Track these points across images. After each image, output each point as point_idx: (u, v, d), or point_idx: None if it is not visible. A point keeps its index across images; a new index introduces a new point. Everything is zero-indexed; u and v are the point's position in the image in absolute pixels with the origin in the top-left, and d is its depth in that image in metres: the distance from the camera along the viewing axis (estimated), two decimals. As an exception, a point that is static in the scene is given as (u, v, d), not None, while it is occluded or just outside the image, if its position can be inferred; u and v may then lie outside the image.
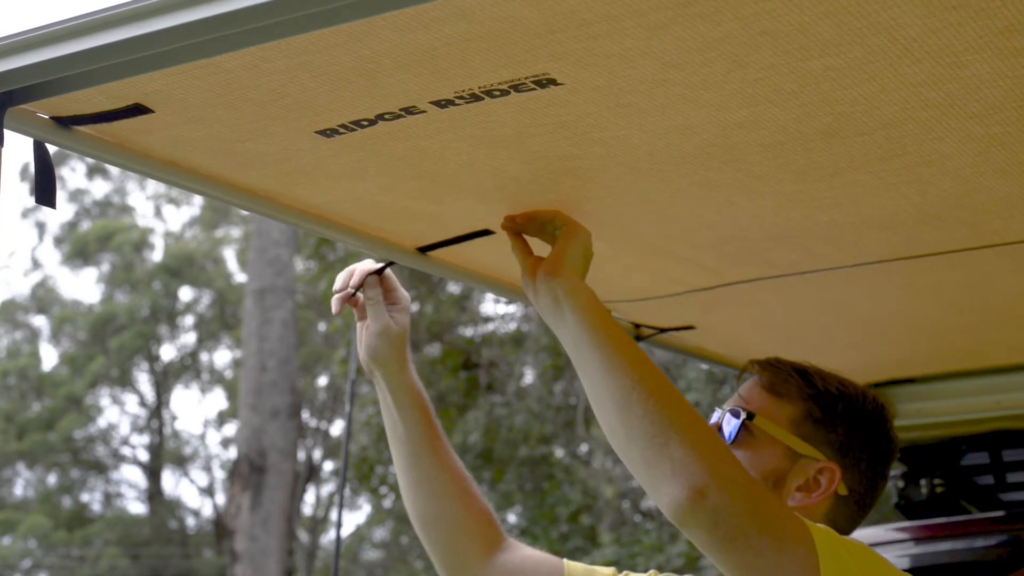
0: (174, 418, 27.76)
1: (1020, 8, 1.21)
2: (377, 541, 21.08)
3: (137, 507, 24.08)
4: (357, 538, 20.59)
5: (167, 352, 23.99)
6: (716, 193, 1.78)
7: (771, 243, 2.04)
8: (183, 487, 38.94)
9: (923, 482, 3.42)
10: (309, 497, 22.11)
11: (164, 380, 23.71)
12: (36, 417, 22.31)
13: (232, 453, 23.08)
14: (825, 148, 1.59)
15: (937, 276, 2.24)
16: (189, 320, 23.81)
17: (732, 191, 1.77)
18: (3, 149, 1.34)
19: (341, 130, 1.49)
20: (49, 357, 28.85)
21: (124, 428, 24.30)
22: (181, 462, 24.11)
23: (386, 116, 1.45)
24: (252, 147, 1.55)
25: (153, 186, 24.60)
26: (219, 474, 24.22)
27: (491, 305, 13.09)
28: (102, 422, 23.51)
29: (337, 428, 21.53)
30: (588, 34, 1.25)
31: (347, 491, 14.86)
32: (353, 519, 23.06)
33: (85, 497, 23.67)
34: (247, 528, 14.36)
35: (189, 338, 23.97)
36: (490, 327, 12.84)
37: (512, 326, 12.64)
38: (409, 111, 1.44)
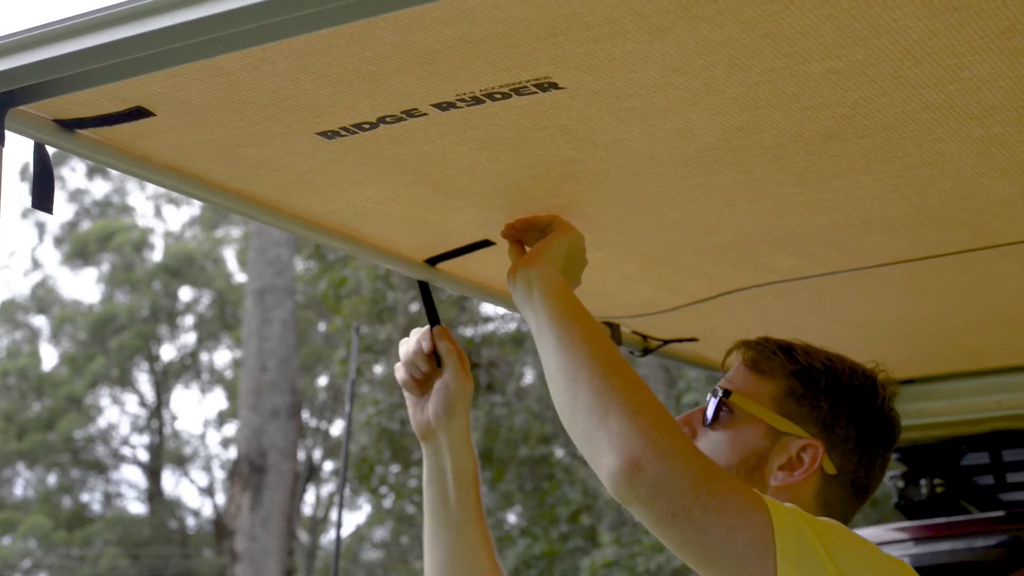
0: (174, 418, 27.78)
1: (1020, 9, 1.22)
2: (377, 541, 21.09)
3: (137, 507, 24.10)
4: (357, 538, 20.59)
5: (167, 352, 24.00)
6: (717, 197, 1.78)
7: (772, 247, 2.04)
8: (183, 487, 38.94)
9: (923, 482, 3.42)
10: (309, 497, 22.12)
11: (164, 380, 23.70)
12: (36, 417, 22.30)
13: (232, 453, 23.09)
14: (826, 151, 1.59)
15: (938, 278, 2.24)
16: (189, 320, 23.81)
17: (733, 195, 1.77)
18: (3, 150, 1.34)
19: (343, 132, 1.49)
20: (49, 357, 28.87)
21: (124, 428, 24.32)
22: (181, 462, 24.10)
23: (387, 119, 1.45)
24: (254, 152, 1.55)
25: (153, 186, 24.57)
26: (219, 474, 24.24)
27: (491, 306, 13.09)
28: (102, 422, 23.52)
29: (337, 428, 21.54)
30: (589, 37, 1.25)
31: (347, 491, 14.86)
32: (353, 519, 23.10)
33: (85, 497, 23.67)
34: (247, 528, 14.36)
35: (189, 338, 23.97)
36: (490, 327, 12.85)
37: (512, 326, 12.64)
38: (410, 114, 1.44)
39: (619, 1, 1.19)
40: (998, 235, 1.97)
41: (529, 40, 1.26)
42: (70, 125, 1.43)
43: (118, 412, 25.62)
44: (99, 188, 25.62)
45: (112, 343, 22.02)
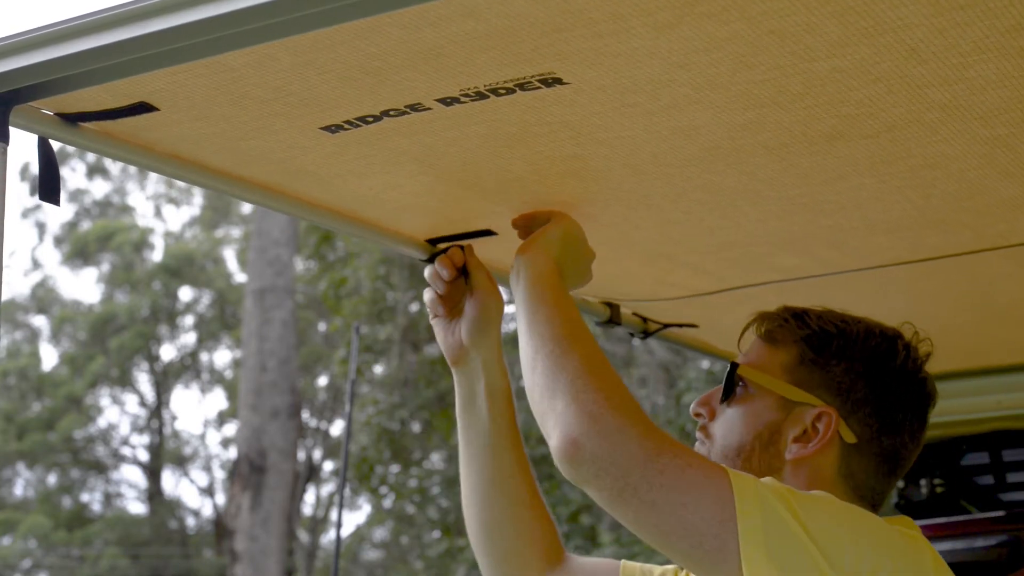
0: (174, 418, 27.76)
1: (1026, 7, 1.21)
2: (377, 541, 21.08)
3: (137, 507, 24.09)
4: (357, 538, 20.59)
5: (167, 352, 24.00)
6: (720, 197, 1.77)
7: (774, 248, 2.04)
8: (183, 487, 38.90)
9: (923, 482, 3.42)
10: (309, 497, 22.11)
11: (164, 380, 23.70)
12: (36, 417, 22.30)
13: (232, 453, 23.09)
14: (830, 151, 1.58)
15: (940, 280, 2.24)
16: (189, 320, 23.81)
17: (736, 195, 1.76)
18: (7, 147, 1.35)
19: (346, 126, 1.49)
20: (49, 357, 28.86)
21: (124, 428, 24.31)
22: (181, 462, 24.10)
23: (391, 112, 1.45)
24: (256, 144, 1.55)
25: (153, 186, 24.61)
26: (219, 474, 24.23)
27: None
28: (102, 422, 23.52)
29: (337, 428, 21.53)
30: (595, 33, 1.25)
31: (347, 491, 14.86)
32: (353, 519, 23.06)
33: (85, 497, 23.66)
34: (247, 528, 14.36)
35: (189, 338, 23.98)
36: (490, 327, 12.84)
37: (512, 326, 12.64)
38: (415, 108, 1.44)
39: None
40: (1001, 237, 1.97)
41: (534, 36, 1.26)
42: (73, 119, 1.43)
43: (118, 412, 25.64)
44: (99, 188, 25.67)
45: (112, 343, 22.02)
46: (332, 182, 1.70)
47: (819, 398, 1.57)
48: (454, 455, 12.45)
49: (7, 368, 22.75)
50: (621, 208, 1.82)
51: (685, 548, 1.34)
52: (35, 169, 1.45)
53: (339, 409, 20.69)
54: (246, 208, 22.31)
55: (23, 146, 1.47)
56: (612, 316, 2.46)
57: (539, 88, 1.38)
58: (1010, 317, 2.55)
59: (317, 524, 21.75)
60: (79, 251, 23.25)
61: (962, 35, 1.26)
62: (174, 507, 24.01)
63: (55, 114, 1.42)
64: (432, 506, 13.51)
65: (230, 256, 24.57)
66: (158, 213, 26.77)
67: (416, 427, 13.06)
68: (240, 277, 23.04)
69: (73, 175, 23.90)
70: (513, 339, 1.68)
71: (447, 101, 1.42)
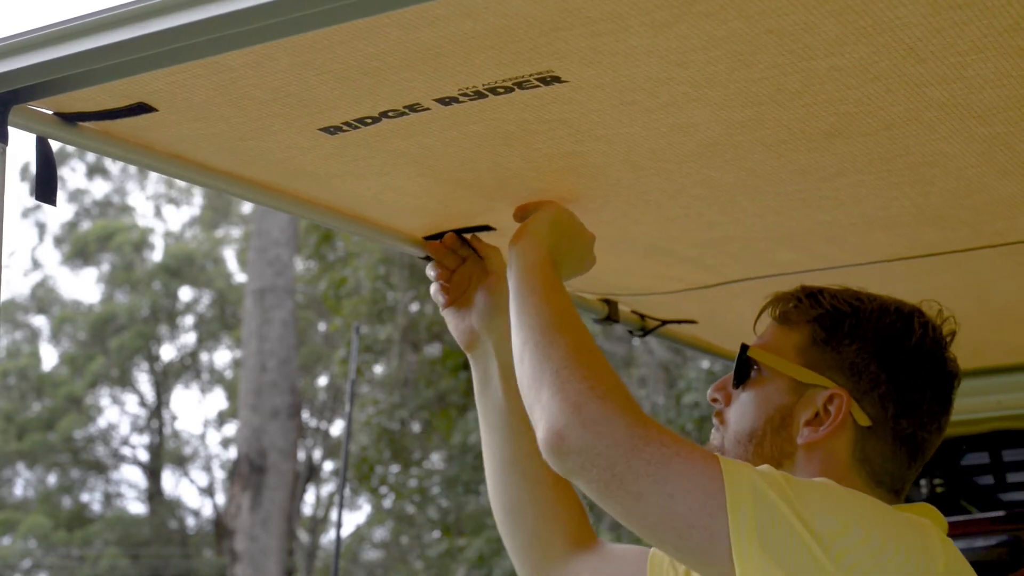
0: (174, 418, 27.78)
1: (1024, 6, 1.22)
2: (377, 541, 21.08)
3: (137, 507, 24.10)
4: (357, 538, 20.59)
5: (167, 352, 24.02)
6: (718, 193, 1.78)
7: (773, 243, 2.04)
8: (183, 487, 38.94)
9: (923, 482, 3.42)
10: (309, 497, 22.12)
11: (164, 380, 23.71)
12: (36, 417, 22.31)
13: (232, 453, 23.10)
14: (828, 148, 1.59)
15: (938, 276, 2.24)
16: (189, 320, 23.82)
17: (734, 191, 1.77)
18: (7, 148, 1.35)
19: (345, 127, 1.49)
20: (49, 357, 28.89)
21: (124, 428, 24.32)
22: (181, 462, 24.11)
23: (390, 113, 1.46)
24: (255, 145, 1.55)
25: (153, 186, 24.63)
26: (219, 474, 24.24)
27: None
28: (102, 422, 23.53)
29: (337, 428, 21.54)
30: (593, 32, 1.25)
31: (347, 491, 14.86)
32: (353, 519, 23.09)
33: (85, 497, 23.67)
34: (247, 528, 14.37)
35: (189, 338, 23.99)
36: (490, 327, 12.84)
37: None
38: (413, 108, 1.44)
39: None
40: (999, 234, 1.97)
41: (532, 35, 1.26)
42: (72, 119, 1.44)
43: (118, 412, 25.65)
44: (99, 188, 25.68)
45: (112, 343, 22.02)
46: (331, 182, 1.70)
47: (831, 380, 1.52)
48: (454, 455, 12.47)
49: (7, 368, 22.76)
50: (620, 204, 1.82)
51: (673, 540, 1.31)
52: (35, 169, 1.46)
53: (339, 409, 20.70)
54: (246, 208, 22.34)
55: (23, 146, 1.47)
56: (610, 313, 2.45)
57: (538, 87, 1.38)
58: (1009, 315, 2.55)
59: (317, 524, 21.75)
60: (79, 251, 23.26)
61: (960, 34, 1.26)
62: (174, 507, 24.02)
63: (54, 114, 1.42)
64: (432, 506, 13.51)
65: (230, 256, 24.61)
66: (158, 213, 26.81)
67: (416, 427, 13.06)
68: (240, 277, 23.06)
69: (73, 175, 23.93)
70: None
71: (445, 101, 1.42)
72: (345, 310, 12.44)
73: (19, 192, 22.52)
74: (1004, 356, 2.92)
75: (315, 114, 1.46)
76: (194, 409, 45.14)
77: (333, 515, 21.48)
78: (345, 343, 13.37)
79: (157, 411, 23.90)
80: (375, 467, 12.47)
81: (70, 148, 1.50)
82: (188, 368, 24.06)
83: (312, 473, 21.44)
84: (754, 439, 1.55)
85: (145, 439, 24.08)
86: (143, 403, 23.81)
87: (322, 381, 21.60)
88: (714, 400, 1.64)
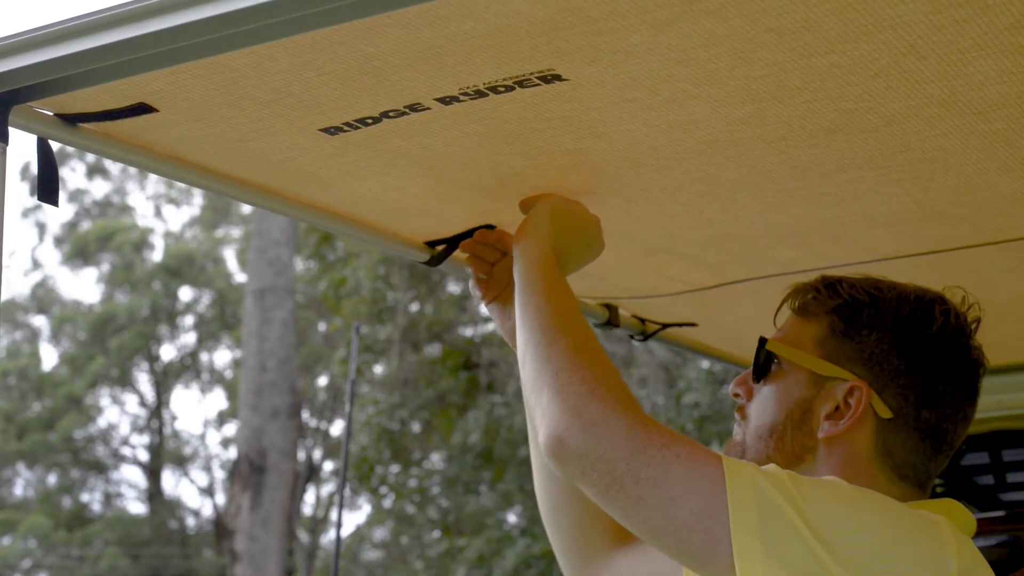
0: (174, 418, 27.79)
1: (1024, 4, 1.22)
2: (377, 541, 21.08)
3: (137, 507, 24.10)
4: (357, 538, 20.59)
5: (167, 352, 24.01)
6: (718, 190, 1.78)
7: (773, 240, 2.04)
8: (183, 487, 38.96)
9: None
10: (309, 497, 22.12)
11: (164, 380, 23.71)
12: (36, 417, 22.30)
13: (232, 453, 23.10)
14: (829, 145, 1.59)
15: (939, 274, 2.24)
16: (189, 320, 23.81)
17: (735, 188, 1.77)
18: (7, 148, 1.35)
19: (345, 128, 1.49)
20: (49, 357, 28.89)
21: (124, 428, 24.32)
22: (181, 462, 24.11)
23: (391, 113, 1.46)
24: (256, 145, 1.55)
25: (153, 186, 24.63)
26: (219, 474, 24.24)
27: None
28: (102, 422, 23.52)
29: (337, 428, 21.54)
30: (593, 30, 1.26)
31: (347, 491, 14.86)
32: (353, 519, 23.10)
33: (85, 497, 23.67)
34: (247, 528, 14.37)
35: (189, 338, 23.98)
36: (490, 327, 12.83)
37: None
38: (414, 108, 1.44)
39: None
40: (999, 231, 1.97)
41: (533, 34, 1.26)
42: (73, 120, 1.44)
43: (118, 412, 25.66)
44: (99, 188, 25.68)
45: (112, 343, 22.02)
46: (331, 184, 1.70)
47: (850, 371, 1.48)
48: (454, 455, 12.46)
49: (7, 368, 22.76)
50: (620, 201, 1.82)
51: (675, 544, 1.29)
52: (36, 169, 1.46)
53: (339, 409, 20.69)
54: (246, 208, 22.31)
55: (24, 146, 1.47)
56: (611, 318, 2.45)
57: (538, 85, 1.38)
58: (1010, 313, 2.55)
59: (317, 524, 21.75)
60: (79, 251, 23.26)
61: (961, 32, 1.26)
62: (174, 507, 24.02)
63: (54, 115, 1.43)
64: (432, 506, 13.51)
65: (230, 256, 24.60)
66: (158, 213, 26.79)
67: (416, 427, 13.06)
68: (240, 277, 23.06)
69: (73, 175, 23.92)
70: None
71: (446, 100, 1.42)
72: (345, 310, 12.44)
73: (19, 192, 22.53)
74: (1004, 356, 2.91)
75: (316, 115, 1.46)
76: (194, 409, 45.17)
77: (333, 515, 21.48)
78: (345, 343, 13.37)
79: (157, 411, 23.90)
80: (375, 467, 12.47)
81: (70, 148, 1.50)
82: (188, 368, 24.05)
83: (312, 473, 21.44)
84: (775, 434, 1.52)
85: (145, 439, 24.09)
86: (143, 403, 23.82)
87: (322, 381, 21.61)
88: (736, 395, 1.60)
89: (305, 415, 20.68)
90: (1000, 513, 3.30)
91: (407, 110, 1.45)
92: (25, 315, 24.25)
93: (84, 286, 47.65)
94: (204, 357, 24.35)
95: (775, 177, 1.72)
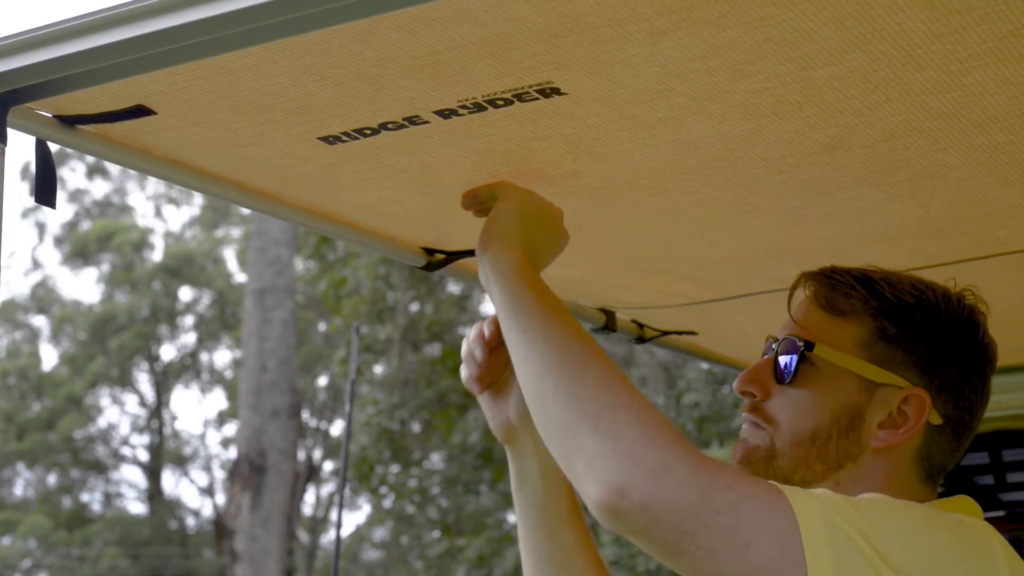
0: (174, 418, 27.80)
1: (1024, 12, 1.21)
2: (377, 541, 21.08)
3: (137, 507, 24.11)
4: (357, 538, 20.59)
5: (167, 352, 24.03)
6: (719, 212, 1.76)
7: (773, 260, 2.03)
8: (183, 487, 38.96)
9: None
10: (309, 497, 22.12)
11: (164, 380, 23.71)
12: (36, 417, 22.31)
13: (232, 453, 23.10)
14: (829, 161, 1.57)
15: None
16: (189, 320, 23.82)
17: (735, 209, 1.75)
18: (6, 148, 1.34)
19: (344, 138, 1.48)
20: (49, 357, 28.90)
21: (124, 428, 24.34)
22: (181, 462, 24.11)
23: (389, 125, 1.44)
24: (254, 151, 1.54)
25: (153, 186, 24.64)
26: (219, 474, 24.25)
27: (491, 305, 13.08)
28: (102, 422, 23.54)
29: (337, 428, 21.54)
30: (592, 39, 1.25)
31: (347, 491, 14.86)
32: (353, 519, 23.12)
33: (85, 497, 23.68)
34: (247, 528, 14.37)
35: (189, 338, 23.99)
36: (490, 327, 12.85)
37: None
38: (412, 121, 1.43)
39: (622, 2, 1.18)
40: (1000, 244, 1.97)
41: (532, 42, 1.25)
42: (71, 122, 1.43)
43: (118, 412, 25.67)
44: (99, 188, 25.68)
45: (112, 343, 22.03)
46: (329, 192, 1.69)
47: (905, 378, 1.42)
48: (454, 455, 12.47)
49: (7, 368, 22.76)
50: (620, 226, 1.81)
51: None
52: (35, 169, 1.45)
53: (339, 409, 20.69)
54: (246, 209, 22.31)
55: (23, 146, 1.47)
56: (608, 323, 2.40)
57: (537, 99, 1.37)
58: (1011, 322, 2.54)
59: (317, 524, 21.75)
60: (79, 251, 23.26)
61: (959, 40, 1.25)
62: (174, 507, 24.03)
63: (53, 116, 1.42)
64: (432, 506, 13.52)
65: (230, 256, 24.61)
66: (158, 213, 26.79)
67: (416, 427, 13.06)
68: (240, 277, 23.06)
69: (73, 175, 23.92)
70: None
71: (445, 113, 1.41)
72: (345, 310, 12.44)
73: (19, 192, 22.52)
74: (1004, 356, 2.91)
75: (314, 122, 1.45)
76: (194, 409, 45.16)
77: (333, 515, 21.48)
78: (345, 343, 13.37)
79: (157, 411, 23.91)
80: (375, 467, 12.47)
81: (70, 149, 1.50)
82: (188, 368, 24.06)
83: (312, 473, 21.44)
84: (817, 441, 1.44)
85: (145, 439, 24.10)
86: (143, 403, 23.82)
87: (322, 381, 21.61)
88: (747, 394, 1.50)
89: (305, 415, 20.68)
90: (1000, 513, 3.29)
91: (406, 123, 1.43)
92: (25, 315, 24.25)
93: (84, 286, 47.67)
94: (204, 357, 24.37)
95: (775, 197, 1.70)
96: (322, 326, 20.87)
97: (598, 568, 1.70)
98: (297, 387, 15.70)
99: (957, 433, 1.45)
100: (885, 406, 1.42)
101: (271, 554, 14.38)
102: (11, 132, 1.35)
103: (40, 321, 24.40)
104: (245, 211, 22.40)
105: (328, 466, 22.02)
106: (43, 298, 24.16)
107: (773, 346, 1.50)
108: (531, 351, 1.35)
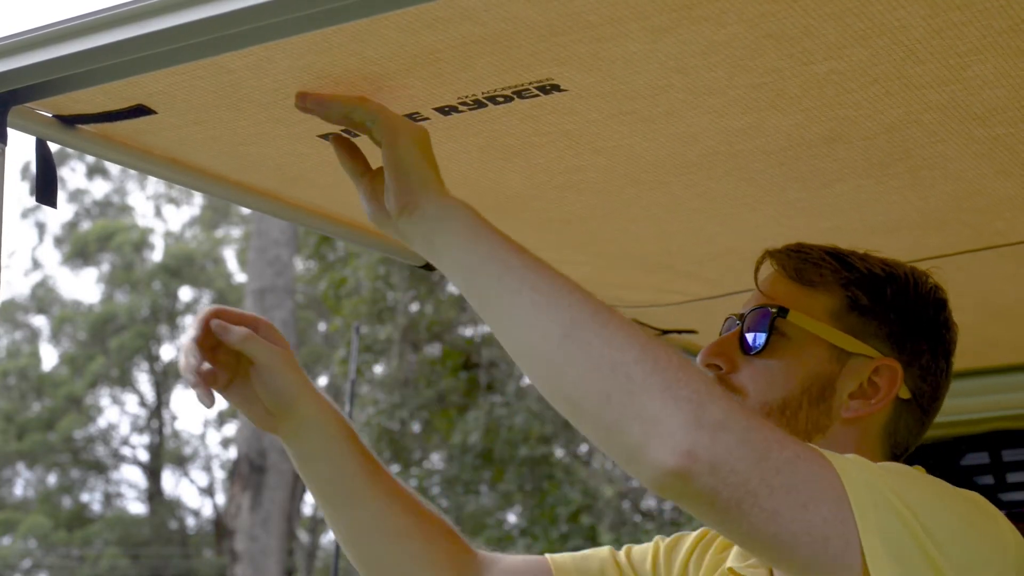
0: (174, 418, 27.83)
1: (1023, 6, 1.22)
2: (377, 541, 21.08)
3: (137, 507, 24.12)
4: (357, 538, 20.59)
5: (167, 352, 24.03)
6: (719, 205, 1.77)
7: None
8: (183, 487, 38.98)
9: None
10: (309, 497, 22.11)
11: (164, 380, 23.72)
12: (36, 417, 22.32)
13: (232, 453, 23.10)
14: (828, 154, 1.58)
15: (939, 279, 2.24)
16: (189, 320, 23.78)
17: (735, 202, 1.76)
18: (6, 148, 1.35)
19: (343, 135, 1.49)
20: (49, 357, 28.93)
21: (124, 428, 24.36)
22: (181, 462, 24.12)
23: None
24: (254, 150, 1.55)
25: (153, 186, 24.65)
26: (219, 474, 24.26)
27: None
28: (102, 422, 23.54)
29: (337, 428, 21.51)
30: (592, 36, 1.25)
31: (347, 491, 14.84)
32: (353, 519, 23.03)
33: (85, 497, 23.69)
34: (247, 528, 14.37)
35: (189, 338, 23.97)
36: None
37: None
38: (412, 118, 1.43)
39: (622, 0, 1.19)
40: (1000, 235, 1.97)
41: (532, 40, 1.25)
42: (71, 121, 1.43)
43: (118, 412, 25.69)
44: (99, 188, 25.69)
45: (112, 343, 22.04)
46: (329, 190, 1.70)
47: (876, 349, 1.41)
48: (454, 455, 12.47)
49: (7, 368, 22.77)
50: (621, 221, 1.81)
51: (809, 556, 1.11)
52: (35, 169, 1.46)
53: (339, 409, 20.69)
54: (246, 208, 22.34)
55: (24, 146, 1.47)
56: None
57: (537, 96, 1.37)
58: (1011, 316, 2.55)
59: (317, 524, 21.75)
60: (79, 251, 23.27)
61: (959, 35, 1.26)
62: (174, 507, 24.04)
63: (53, 116, 1.42)
64: (432, 506, 13.51)
65: (230, 256, 24.62)
66: (158, 213, 26.83)
67: (416, 427, 13.06)
68: (240, 277, 23.07)
69: (73, 175, 23.94)
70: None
71: (445, 110, 1.41)
72: (345, 310, 12.44)
73: (19, 192, 22.53)
74: (1004, 356, 2.91)
75: (314, 120, 1.45)
76: (194, 409, 45.16)
77: (333, 515, 21.47)
78: (345, 343, 13.37)
79: (157, 411, 23.91)
80: (375, 467, 12.46)
81: (70, 149, 1.50)
82: (188, 368, 24.05)
83: (312, 473, 21.43)
84: (787, 411, 1.41)
85: (145, 439, 24.10)
86: (143, 403, 23.83)
87: (322, 381, 21.57)
88: (712, 366, 1.45)
89: (305, 415, 20.67)
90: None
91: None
92: (25, 315, 24.26)
93: (84, 286, 47.69)
94: (204, 357, 24.35)
95: (775, 189, 1.71)
96: (322, 326, 20.88)
97: (421, 514, 1.62)
98: (297, 387, 15.69)
99: (923, 410, 1.45)
100: (856, 376, 1.41)
101: (271, 554, 14.39)
102: (11, 132, 1.36)
103: (40, 321, 24.43)
104: (245, 211, 22.42)
105: (328, 466, 22.02)
106: (43, 298, 24.17)
107: (737, 321, 1.48)
108: (534, 316, 1.17)
